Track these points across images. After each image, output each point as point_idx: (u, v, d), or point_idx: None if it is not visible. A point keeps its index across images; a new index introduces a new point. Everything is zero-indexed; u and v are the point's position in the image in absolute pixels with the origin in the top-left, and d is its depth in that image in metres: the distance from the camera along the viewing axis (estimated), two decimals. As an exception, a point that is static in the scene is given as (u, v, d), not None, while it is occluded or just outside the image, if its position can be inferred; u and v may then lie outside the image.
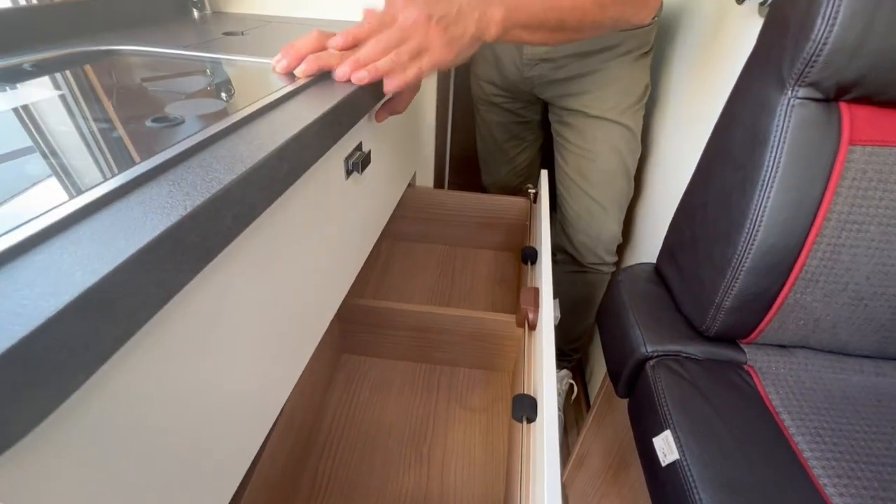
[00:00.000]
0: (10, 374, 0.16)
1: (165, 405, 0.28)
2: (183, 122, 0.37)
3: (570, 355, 1.28)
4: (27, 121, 0.38)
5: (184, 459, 0.31)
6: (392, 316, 0.77)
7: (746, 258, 0.55)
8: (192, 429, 0.31)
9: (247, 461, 0.40)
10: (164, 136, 0.35)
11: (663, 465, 0.52)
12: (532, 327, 0.66)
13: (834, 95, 0.49)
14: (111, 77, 0.52)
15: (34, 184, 0.28)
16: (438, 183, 1.14)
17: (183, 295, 0.27)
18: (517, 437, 0.56)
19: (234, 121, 0.36)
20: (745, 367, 0.61)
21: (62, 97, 0.44)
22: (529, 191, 1.02)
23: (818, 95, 0.50)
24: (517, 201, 1.06)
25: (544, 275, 0.66)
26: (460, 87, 1.27)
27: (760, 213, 0.53)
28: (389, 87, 0.49)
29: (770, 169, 0.52)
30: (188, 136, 0.32)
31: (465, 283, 1.02)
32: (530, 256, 0.82)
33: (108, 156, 0.33)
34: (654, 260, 0.76)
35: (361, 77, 0.47)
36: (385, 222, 0.77)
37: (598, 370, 1.21)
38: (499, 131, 1.16)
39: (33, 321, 0.17)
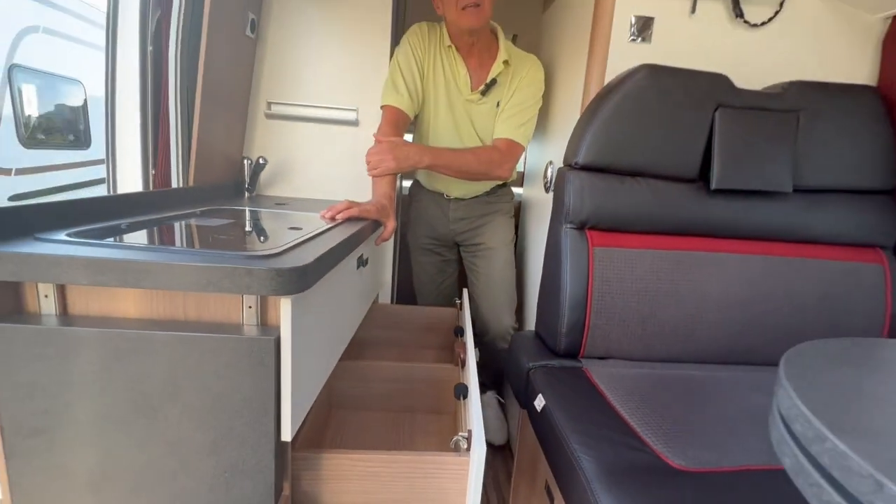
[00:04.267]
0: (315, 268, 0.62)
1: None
2: (302, 229, 0.87)
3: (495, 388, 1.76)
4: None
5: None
6: (371, 371, 1.15)
7: (566, 304, 1.08)
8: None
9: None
10: (297, 233, 0.84)
11: (539, 410, 0.93)
12: (463, 364, 1.10)
13: (581, 226, 1.12)
14: (243, 217, 1.01)
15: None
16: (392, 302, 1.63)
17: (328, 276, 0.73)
18: (459, 411, 0.95)
19: (325, 228, 0.86)
20: (583, 370, 1.07)
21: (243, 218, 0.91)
22: (457, 302, 1.54)
23: (576, 226, 1.12)
24: (450, 310, 1.56)
25: (468, 338, 1.14)
26: (400, 245, 1.89)
27: (566, 283, 1.09)
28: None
29: (565, 262, 1.10)
30: (310, 234, 0.81)
31: (418, 362, 1.42)
32: (458, 332, 1.29)
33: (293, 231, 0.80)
34: (530, 327, 1.27)
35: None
36: (368, 307, 1.22)
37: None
38: (431, 269, 1.72)
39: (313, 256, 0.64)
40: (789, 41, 1.17)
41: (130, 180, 1.21)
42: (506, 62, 1.34)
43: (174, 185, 1.16)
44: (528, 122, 1.35)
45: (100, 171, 3.62)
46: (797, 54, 1.17)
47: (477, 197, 1.55)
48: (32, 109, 3.00)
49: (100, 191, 3.71)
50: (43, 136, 3.09)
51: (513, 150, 1.34)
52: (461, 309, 1.53)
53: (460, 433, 0.79)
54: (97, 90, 3.59)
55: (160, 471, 0.65)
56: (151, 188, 1.23)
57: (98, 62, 3.69)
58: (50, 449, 0.63)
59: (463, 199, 1.56)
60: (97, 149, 3.62)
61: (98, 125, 3.61)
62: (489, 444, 1.02)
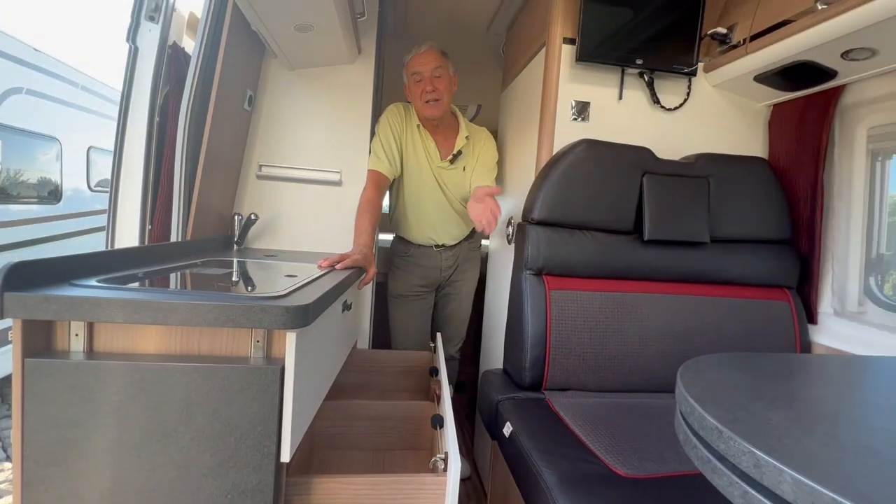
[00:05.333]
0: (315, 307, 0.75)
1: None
2: (296, 276, 0.99)
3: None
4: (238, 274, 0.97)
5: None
6: (352, 409, 1.23)
7: (527, 341, 1.23)
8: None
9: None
10: (294, 279, 0.96)
11: (507, 437, 1.04)
12: (438, 399, 1.21)
13: (538, 272, 1.29)
14: (244, 266, 1.13)
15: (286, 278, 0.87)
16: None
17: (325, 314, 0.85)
18: (435, 443, 1.05)
19: (317, 276, 0.99)
20: (546, 401, 1.20)
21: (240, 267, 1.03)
22: (431, 345, 1.66)
23: (534, 272, 1.29)
24: (423, 354, 1.66)
25: (442, 376, 1.25)
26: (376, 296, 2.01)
27: (527, 320, 1.24)
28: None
29: (526, 304, 1.26)
30: (306, 280, 0.94)
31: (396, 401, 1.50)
32: (433, 371, 1.40)
33: (290, 279, 0.93)
34: (498, 364, 1.40)
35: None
36: (350, 349, 1.32)
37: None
38: (416, 310, 1.86)
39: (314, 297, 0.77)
40: (697, 122, 1.45)
41: (128, 234, 1.31)
42: (467, 137, 1.67)
43: (173, 238, 1.27)
44: (495, 175, 1.71)
45: (69, 226, 3.61)
46: (703, 132, 1.45)
47: (459, 243, 1.81)
48: (6, 165, 3.03)
49: (79, 243, 3.69)
50: (14, 192, 3.10)
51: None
52: (435, 352, 1.65)
53: (438, 455, 0.89)
54: (73, 147, 3.66)
55: (167, 494, 0.72)
56: (146, 242, 1.33)
57: (77, 122, 3.78)
58: (65, 477, 0.70)
59: (451, 247, 1.79)
60: (67, 204, 3.63)
61: (69, 180, 3.65)
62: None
